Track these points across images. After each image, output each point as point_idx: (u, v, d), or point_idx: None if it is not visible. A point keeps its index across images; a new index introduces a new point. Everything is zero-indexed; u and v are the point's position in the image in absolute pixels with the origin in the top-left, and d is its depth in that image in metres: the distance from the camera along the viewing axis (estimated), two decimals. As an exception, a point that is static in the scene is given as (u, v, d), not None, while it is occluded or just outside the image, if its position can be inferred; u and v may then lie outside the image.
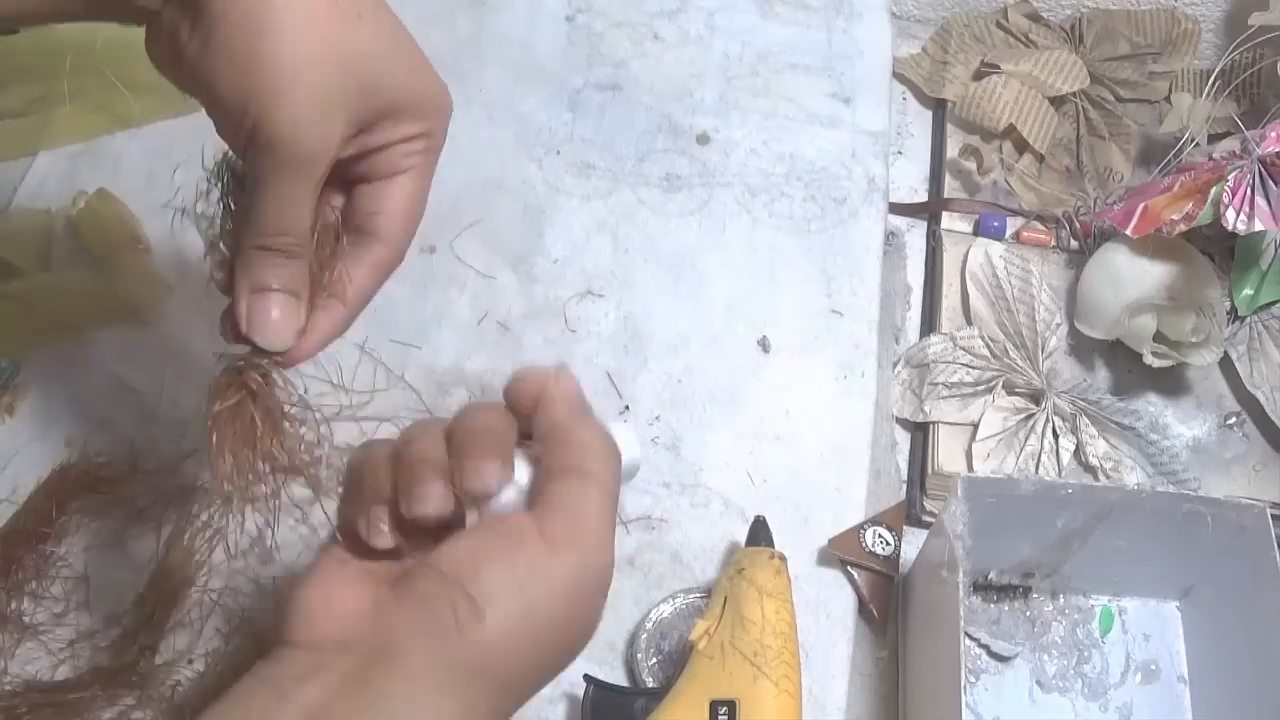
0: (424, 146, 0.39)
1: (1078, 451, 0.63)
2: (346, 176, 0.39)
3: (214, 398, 0.38)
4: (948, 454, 0.63)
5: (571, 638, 0.34)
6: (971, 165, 0.74)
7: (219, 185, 0.38)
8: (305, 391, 0.60)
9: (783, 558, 0.52)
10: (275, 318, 0.37)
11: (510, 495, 0.35)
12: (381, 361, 0.62)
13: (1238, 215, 0.60)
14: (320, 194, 0.37)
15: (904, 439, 0.66)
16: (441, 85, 0.39)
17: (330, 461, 0.50)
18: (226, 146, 0.37)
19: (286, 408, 0.39)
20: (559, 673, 0.34)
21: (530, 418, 0.36)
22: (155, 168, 0.69)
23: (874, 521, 0.60)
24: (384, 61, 0.36)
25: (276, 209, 0.35)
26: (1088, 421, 0.64)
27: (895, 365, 0.68)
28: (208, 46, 0.33)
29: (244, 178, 0.37)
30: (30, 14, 0.35)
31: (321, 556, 0.35)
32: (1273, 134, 0.61)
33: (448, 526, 0.34)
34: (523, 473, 0.36)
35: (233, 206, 0.38)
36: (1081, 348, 0.69)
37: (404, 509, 0.34)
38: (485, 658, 0.31)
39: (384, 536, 0.34)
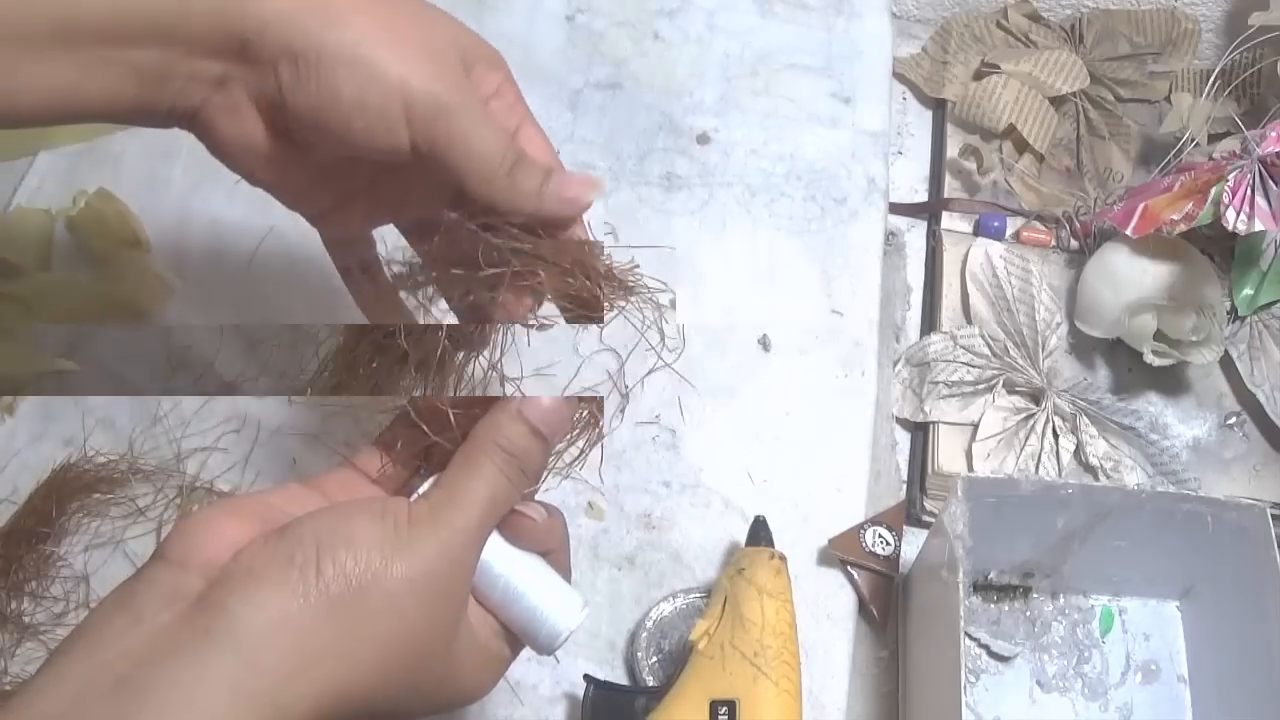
0: (515, 96, 0.42)
1: (1078, 451, 0.63)
2: None
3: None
4: (948, 454, 0.63)
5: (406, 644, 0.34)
6: (971, 165, 0.74)
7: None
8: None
9: (783, 558, 0.52)
10: (577, 184, 0.40)
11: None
12: (381, 361, 0.62)
13: (1238, 215, 0.60)
14: None
15: (904, 439, 0.66)
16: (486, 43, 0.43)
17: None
18: None
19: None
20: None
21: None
22: (155, 168, 0.69)
23: (874, 521, 0.60)
24: (439, 22, 0.40)
25: (485, 139, 0.38)
26: (1088, 421, 0.64)
27: (895, 365, 0.68)
28: (324, 73, 0.36)
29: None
30: (53, 108, 0.36)
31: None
32: (1273, 134, 0.61)
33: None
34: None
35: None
36: (1082, 347, 0.69)
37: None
38: (317, 617, 0.32)
39: None
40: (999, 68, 0.76)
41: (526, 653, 0.55)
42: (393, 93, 0.36)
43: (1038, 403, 0.64)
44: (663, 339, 0.65)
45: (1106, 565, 0.59)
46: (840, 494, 0.61)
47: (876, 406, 0.64)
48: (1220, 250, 0.70)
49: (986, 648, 0.60)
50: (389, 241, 0.46)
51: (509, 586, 0.37)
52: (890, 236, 0.73)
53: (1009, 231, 0.73)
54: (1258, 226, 0.59)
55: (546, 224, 0.40)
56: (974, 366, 0.65)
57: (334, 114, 0.37)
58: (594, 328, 0.65)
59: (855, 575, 0.58)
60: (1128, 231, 0.64)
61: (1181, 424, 0.67)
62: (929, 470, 0.63)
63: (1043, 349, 0.66)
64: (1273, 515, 0.54)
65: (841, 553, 0.58)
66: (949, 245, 0.71)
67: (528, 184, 0.39)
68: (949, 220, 0.74)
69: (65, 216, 0.66)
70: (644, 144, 0.72)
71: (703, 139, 0.73)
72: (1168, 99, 0.79)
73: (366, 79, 0.36)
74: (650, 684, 0.53)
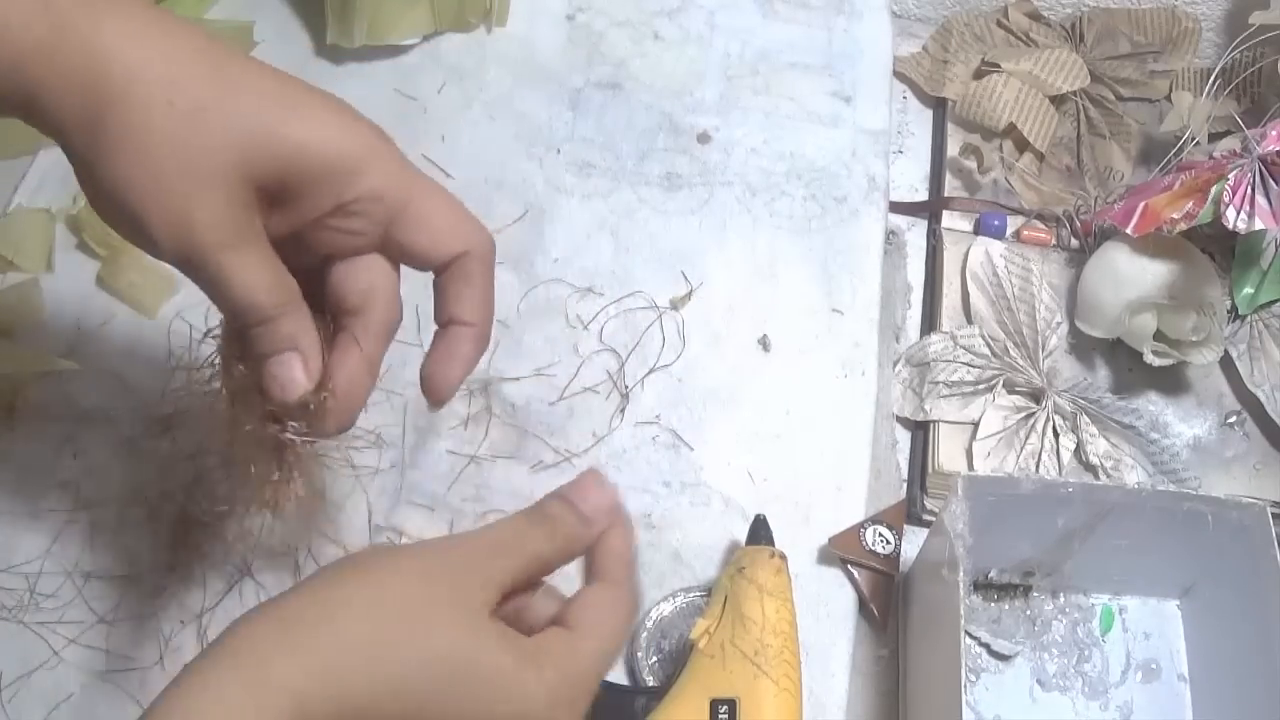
0: (379, 216, 0.37)
1: (1078, 450, 0.63)
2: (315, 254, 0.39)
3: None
4: (948, 453, 0.63)
5: None
6: (972, 164, 0.74)
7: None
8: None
9: (783, 556, 0.52)
10: (292, 372, 0.38)
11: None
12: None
13: (1238, 214, 0.60)
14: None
15: (904, 438, 0.66)
16: (369, 138, 0.37)
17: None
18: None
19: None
20: None
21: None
22: (156, 167, 0.69)
23: (874, 520, 0.60)
24: (216, 142, 0.34)
25: (234, 291, 0.35)
26: (1088, 420, 0.64)
27: (896, 364, 0.68)
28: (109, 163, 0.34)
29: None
30: None
31: None
32: (1273, 133, 0.61)
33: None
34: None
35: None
36: (1082, 346, 0.69)
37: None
38: None
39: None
40: (999, 66, 0.76)
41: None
42: (142, 235, 0.34)
43: (1038, 402, 0.64)
44: (664, 340, 0.65)
45: (1107, 564, 0.59)
46: (840, 493, 0.61)
47: (876, 406, 0.64)
48: (1221, 249, 0.70)
49: (987, 646, 0.60)
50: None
51: None
52: (890, 235, 0.73)
53: (1009, 230, 0.73)
54: (1258, 225, 0.59)
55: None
56: (974, 366, 0.65)
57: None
58: (593, 328, 0.65)
59: (855, 574, 0.58)
60: (1128, 230, 0.64)
61: (1182, 423, 0.67)
62: (929, 469, 0.63)
63: (1043, 348, 0.66)
64: (1273, 514, 0.54)
65: (842, 551, 0.58)
66: (949, 244, 0.71)
67: (256, 346, 0.37)
68: (949, 219, 0.74)
69: (65, 216, 0.66)
70: (644, 144, 0.72)
71: (703, 138, 0.73)
72: (1168, 98, 0.79)
73: (115, 216, 0.35)
74: (650, 684, 0.53)
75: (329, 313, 0.40)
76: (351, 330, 0.39)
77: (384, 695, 0.31)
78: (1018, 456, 0.63)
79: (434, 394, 0.41)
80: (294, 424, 0.39)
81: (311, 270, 0.39)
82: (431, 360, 0.41)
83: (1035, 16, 0.82)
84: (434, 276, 0.40)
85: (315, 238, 0.37)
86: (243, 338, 0.38)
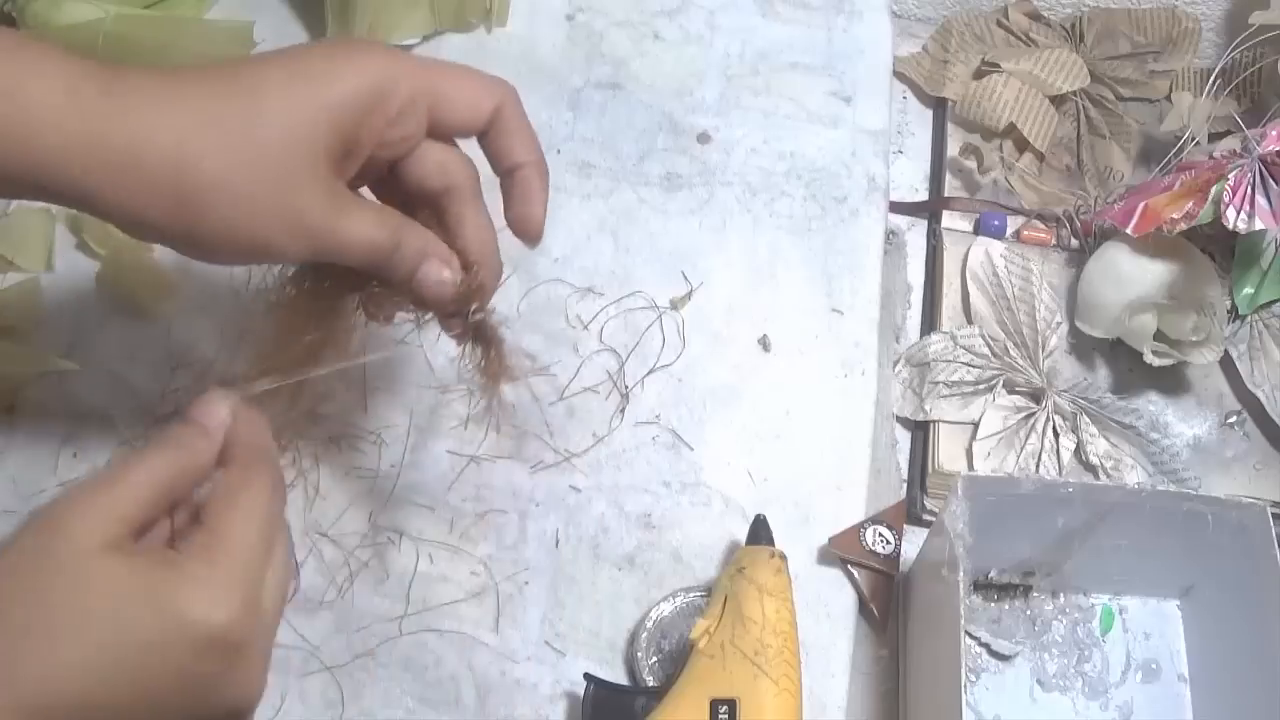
0: (421, 111, 0.41)
1: (1078, 450, 0.63)
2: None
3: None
4: (948, 453, 0.63)
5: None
6: (972, 164, 0.74)
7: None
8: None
9: (783, 556, 0.52)
10: (438, 275, 0.43)
11: None
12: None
13: (1238, 214, 0.60)
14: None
15: (904, 438, 0.66)
16: (381, 58, 0.40)
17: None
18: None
19: None
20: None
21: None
22: (156, 167, 0.68)
23: (874, 520, 0.60)
24: (277, 132, 0.38)
25: (352, 249, 0.40)
26: (1088, 420, 0.64)
27: (896, 364, 0.68)
28: (200, 255, 0.40)
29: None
30: None
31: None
32: (1273, 133, 0.61)
33: None
34: None
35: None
36: (1082, 346, 0.69)
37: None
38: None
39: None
40: (999, 66, 0.76)
41: (528, 651, 0.55)
42: (269, 253, 0.39)
43: (1038, 402, 0.64)
44: (664, 340, 0.65)
45: (1107, 564, 0.59)
46: (840, 493, 0.61)
47: (876, 406, 0.64)
48: (1221, 249, 0.70)
49: (987, 646, 0.60)
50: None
51: None
52: (890, 235, 0.73)
53: (1009, 230, 0.73)
54: (1258, 225, 0.59)
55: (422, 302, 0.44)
56: (974, 366, 0.65)
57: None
58: (593, 328, 0.66)
59: (855, 574, 0.59)
60: (1128, 230, 0.64)
61: (1182, 423, 0.67)
62: (929, 469, 0.63)
63: (1043, 348, 0.66)
64: (1273, 514, 0.54)
65: (842, 551, 0.58)
66: (949, 244, 0.71)
67: (399, 273, 0.42)
68: (949, 219, 0.74)
69: (66, 216, 0.66)
70: (644, 143, 0.72)
71: (703, 138, 0.73)
72: (1168, 98, 0.79)
73: (239, 254, 0.39)
74: (650, 684, 0.53)
75: (420, 206, 0.44)
76: (449, 206, 0.44)
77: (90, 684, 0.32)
78: (1018, 456, 0.63)
79: (529, 232, 0.45)
80: (469, 308, 0.44)
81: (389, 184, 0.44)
82: (514, 205, 0.44)
83: (1035, 16, 0.82)
84: (480, 139, 0.44)
85: (379, 155, 0.41)
86: (379, 275, 0.42)
